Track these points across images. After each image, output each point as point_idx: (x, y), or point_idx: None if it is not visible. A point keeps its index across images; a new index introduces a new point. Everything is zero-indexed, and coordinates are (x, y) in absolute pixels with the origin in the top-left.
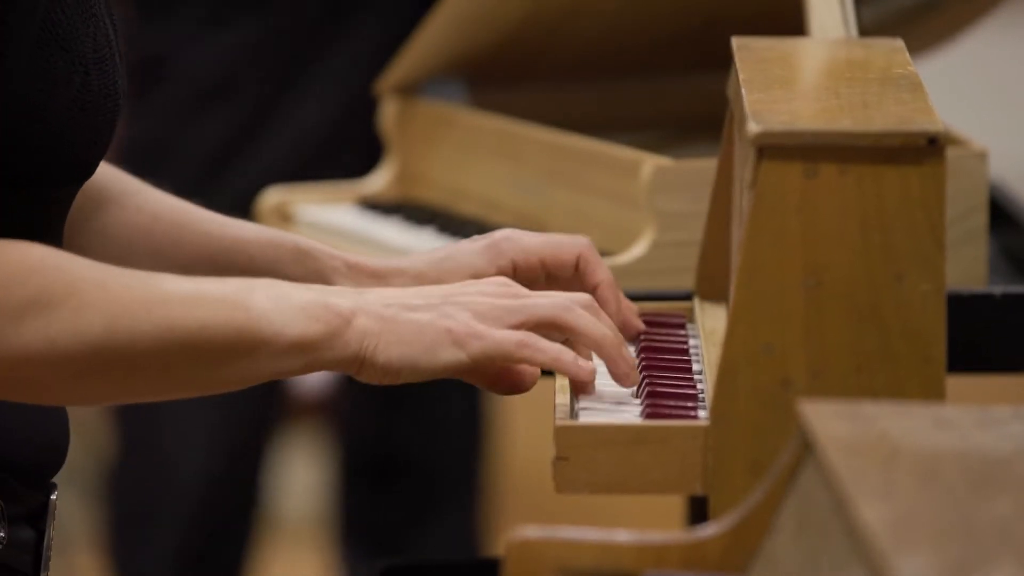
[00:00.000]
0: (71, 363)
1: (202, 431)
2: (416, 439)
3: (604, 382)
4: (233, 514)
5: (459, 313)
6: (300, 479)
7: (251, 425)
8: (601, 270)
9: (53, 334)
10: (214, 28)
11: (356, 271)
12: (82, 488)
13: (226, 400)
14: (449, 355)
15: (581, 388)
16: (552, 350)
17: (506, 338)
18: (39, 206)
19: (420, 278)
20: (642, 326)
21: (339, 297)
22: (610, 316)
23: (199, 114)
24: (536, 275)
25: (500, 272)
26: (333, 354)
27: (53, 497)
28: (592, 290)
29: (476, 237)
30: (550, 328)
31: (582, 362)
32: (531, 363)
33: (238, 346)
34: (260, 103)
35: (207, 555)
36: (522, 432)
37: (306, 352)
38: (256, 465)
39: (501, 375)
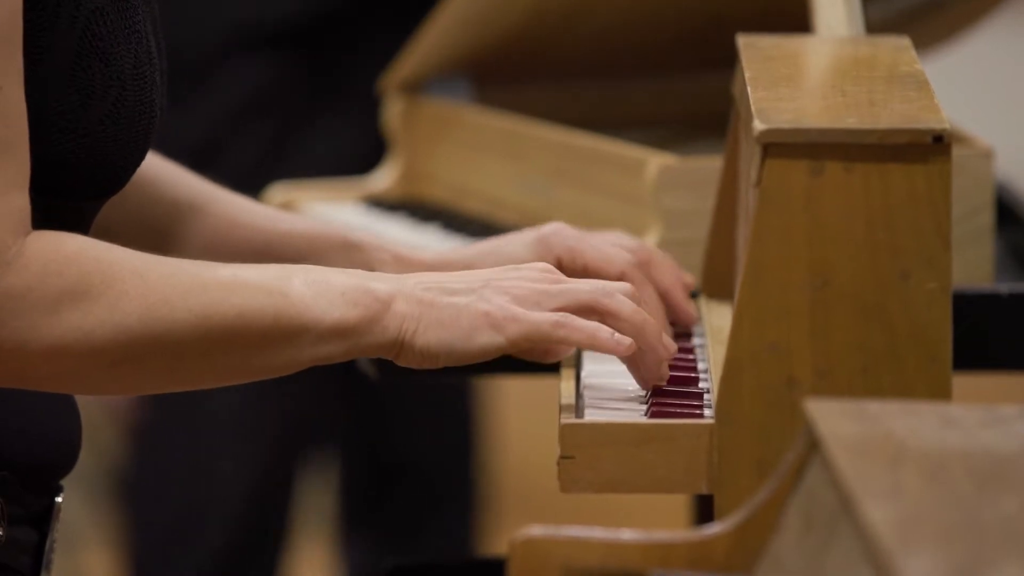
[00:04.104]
0: (108, 353)
1: (233, 439)
2: (413, 440)
3: (610, 380)
4: (267, 525)
5: (497, 297)
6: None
7: (285, 438)
8: (647, 285)
9: (90, 325)
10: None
11: (403, 263)
12: (88, 487)
13: (261, 408)
14: (486, 339)
15: (646, 375)
16: (588, 328)
17: (543, 319)
18: (64, 216)
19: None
20: (696, 315)
21: (378, 282)
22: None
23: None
24: (577, 276)
25: None
26: (372, 339)
27: (59, 500)
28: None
29: (525, 230)
30: (589, 313)
31: (619, 337)
32: (568, 343)
33: (277, 332)
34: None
35: (242, 561)
36: (520, 433)
37: (346, 337)
38: (291, 479)
39: (537, 349)
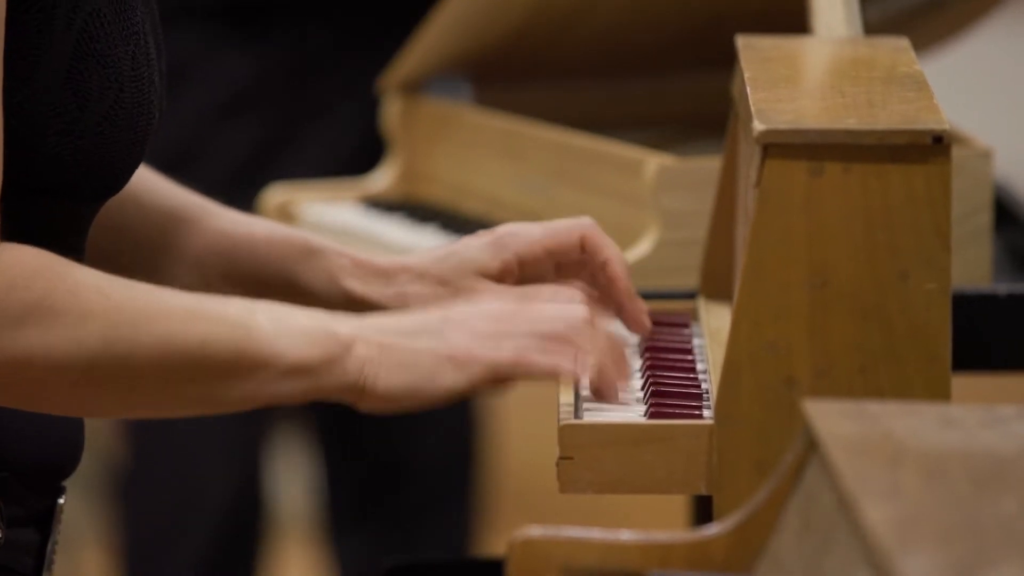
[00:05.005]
0: (69, 371)
1: (217, 436)
2: (412, 440)
3: None
4: (249, 517)
5: (457, 336)
6: (296, 479)
7: (257, 426)
8: (607, 247)
9: (52, 341)
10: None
11: (362, 269)
12: (85, 486)
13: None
14: (449, 380)
15: (596, 394)
16: (549, 363)
17: (503, 359)
18: (63, 218)
19: (424, 275)
20: (649, 325)
21: (339, 324)
22: (620, 293)
23: (224, 123)
24: (543, 266)
25: (504, 267)
26: (332, 380)
27: (61, 501)
28: (602, 268)
29: (480, 233)
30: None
31: (582, 361)
32: (530, 376)
33: (237, 365)
34: (286, 113)
35: (228, 561)
36: (519, 433)
37: (305, 376)
38: (259, 465)
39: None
